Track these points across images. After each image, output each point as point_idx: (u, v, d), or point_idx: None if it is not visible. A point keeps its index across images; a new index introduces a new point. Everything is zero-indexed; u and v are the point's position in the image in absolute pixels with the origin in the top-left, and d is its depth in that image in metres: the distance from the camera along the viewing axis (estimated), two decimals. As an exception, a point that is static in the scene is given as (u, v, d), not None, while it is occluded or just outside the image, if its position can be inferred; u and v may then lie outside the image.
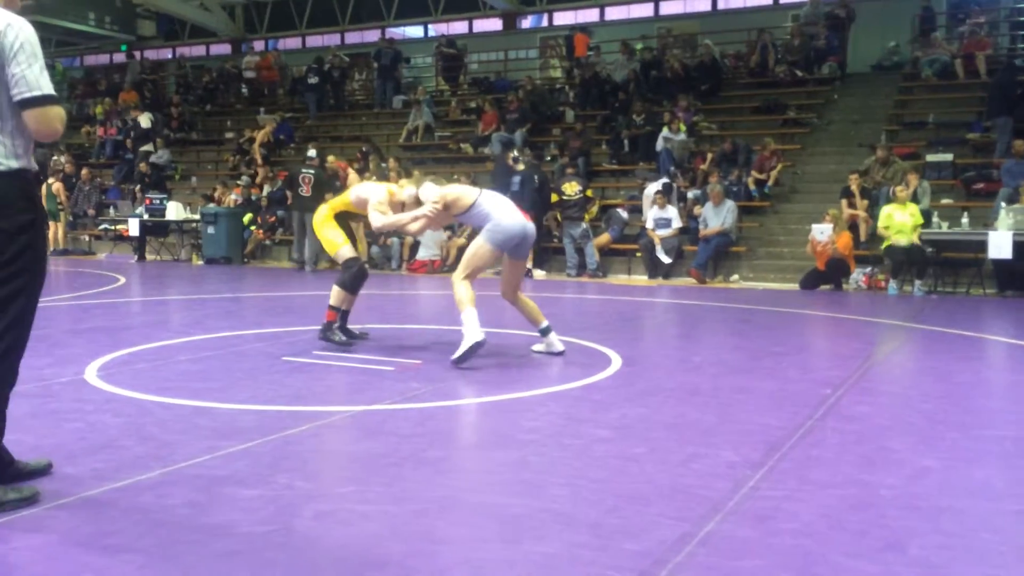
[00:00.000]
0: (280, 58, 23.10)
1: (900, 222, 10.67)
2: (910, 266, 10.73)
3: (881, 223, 10.89)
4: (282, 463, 3.48)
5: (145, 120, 19.29)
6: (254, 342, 6.51)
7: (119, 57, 28.12)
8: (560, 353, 5.97)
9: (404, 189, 6.21)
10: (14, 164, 2.90)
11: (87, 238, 17.64)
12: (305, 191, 13.30)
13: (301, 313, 8.67)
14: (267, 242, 15.67)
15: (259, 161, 17.34)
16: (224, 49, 26.81)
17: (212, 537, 2.73)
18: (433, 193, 5.92)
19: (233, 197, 15.89)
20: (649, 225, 12.64)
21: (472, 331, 5.47)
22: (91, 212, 17.41)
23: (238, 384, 4.98)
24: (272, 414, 4.28)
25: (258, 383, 5.01)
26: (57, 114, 2.93)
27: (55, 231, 16.89)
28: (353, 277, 6.29)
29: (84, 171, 17.74)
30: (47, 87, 2.89)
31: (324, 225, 6.41)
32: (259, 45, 25.38)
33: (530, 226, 5.91)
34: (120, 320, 8.02)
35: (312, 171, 13.46)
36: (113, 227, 16.82)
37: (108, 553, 2.60)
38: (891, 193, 11.05)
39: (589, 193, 13.27)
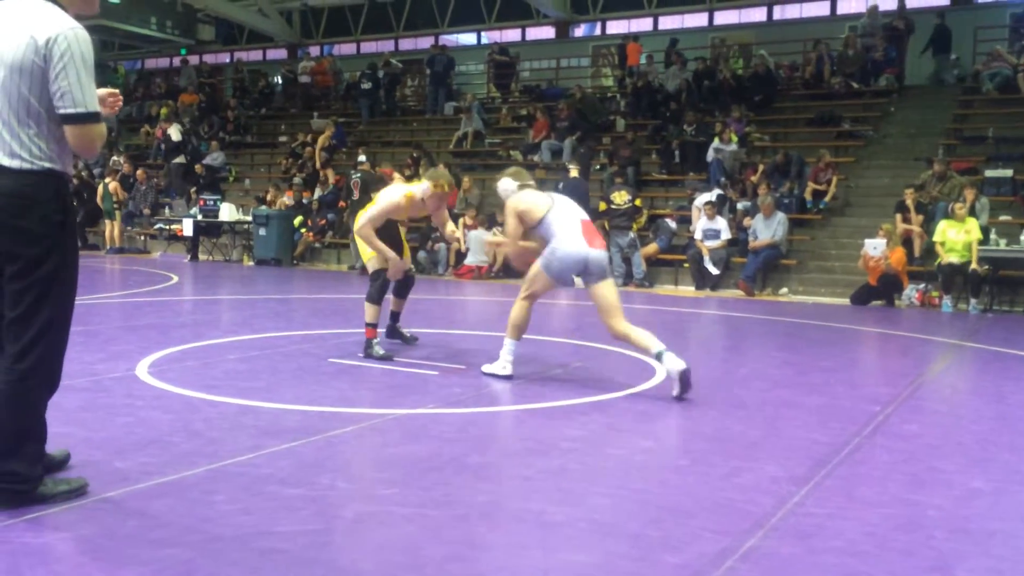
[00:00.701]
0: (335, 63, 23.43)
1: (953, 239, 10.44)
2: (964, 283, 10.47)
3: (936, 237, 10.67)
4: (325, 463, 3.51)
5: (176, 132, 19.61)
6: (301, 343, 6.59)
7: (179, 60, 28.77)
8: (685, 371, 4.94)
9: (420, 185, 6.09)
10: (47, 165, 2.86)
11: (142, 237, 18.03)
12: (355, 195, 13.46)
13: (348, 316, 8.76)
14: (317, 245, 15.86)
15: (318, 164, 17.56)
16: (280, 54, 27.26)
17: (254, 535, 2.76)
18: (507, 204, 5.54)
19: (285, 200, 16.12)
20: (698, 236, 12.52)
21: (504, 364, 5.36)
22: (147, 211, 17.79)
23: (284, 384, 5.04)
24: (316, 415, 4.33)
25: (303, 384, 5.07)
26: (99, 133, 2.91)
27: (111, 230, 17.31)
28: (379, 290, 6.15)
29: (140, 171, 18.16)
30: (92, 104, 2.86)
31: (363, 238, 6.22)
32: (315, 50, 25.75)
33: (595, 253, 5.30)
34: (172, 318, 8.18)
35: (359, 175, 13.62)
36: (168, 227, 17.19)
37: (152, 547, 2.65)
38: (950, 210, 10.82)
39: (638, 203, 13.21)
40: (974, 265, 10.26)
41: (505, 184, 5.67)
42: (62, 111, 2.82)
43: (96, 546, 2.66)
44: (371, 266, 6.26)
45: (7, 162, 2.82)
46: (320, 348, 6.35)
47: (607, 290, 5.31)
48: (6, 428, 2.87)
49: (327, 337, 6.95)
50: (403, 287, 6.62)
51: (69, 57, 2.80)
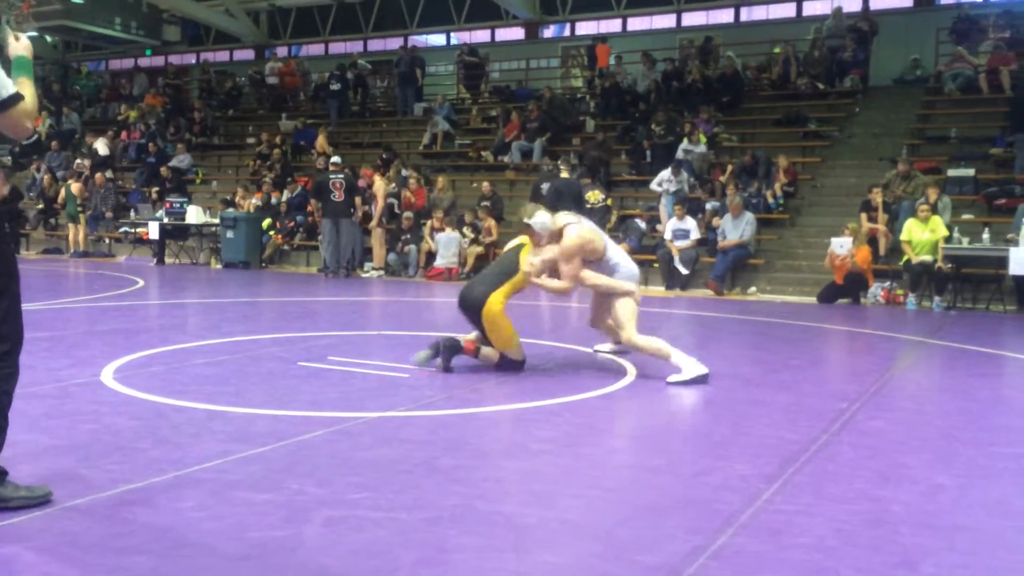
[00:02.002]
0: (303, 64, 23.27)
1: (919, 239, 10.60)
2: (929, 281, 10.63)
3: (903, 236, 10.82)
4: (295, 468, 3.49)
5: (102, 147, 19.30)
6: (270, 347, 6.54)
7: (144, 61, 28.44)
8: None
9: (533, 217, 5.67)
10: None
11: (107, 240, 17.79)
12: (338, 197, 13.37)
13: (318, 318, 8.71)
14: (286, 247, 15.75)
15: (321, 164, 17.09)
16: (248, 55, 27.03)
17: (223, 541, 2.74)
18: (575, 239, 5.48)
19: (254, 201, 15.98)
20: (667, 236, 12.60)
21: (691, 367, 5.30)
22: (108, 215, 17.54)
23: (253, 389, 5.00)
24: (286, 419, 4.29)
25: (273, 388, 5.03)
26: (21, 112, 2.87)
27: (75, 233, 17.06)
28: (514, 366, 5.72)
29: (98, 175, 17.80)
30: (6, 88, 2.83)
31: (501, 318, 5.59)
32: (282, 51, 25.57)
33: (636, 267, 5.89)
34: (137, 323, 8.08)
35: (342, 176, 13.54)
36: (133, 230, 16.97)
37: (119, 555, 2.61)
38: (916, 209, 10.97)
39: (609, 202, 13.26)
40: (939, 263, 10.41)
41: (543, 218, 5.57)
42: None
43: (62, 555, 2.61)
44: (514, 354, 5.68)
45: None
46: (289, 351, 6.30)
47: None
48: None
49: (296, 340, 6.90)
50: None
51: None
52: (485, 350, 5.68)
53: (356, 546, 2.73)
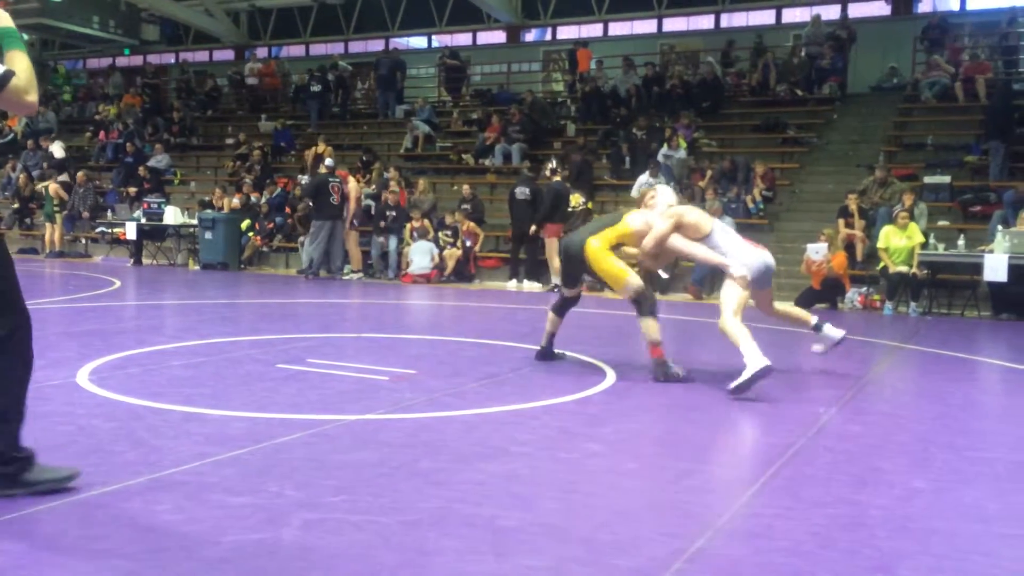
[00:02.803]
0: (283, 65, 23.16)
1: (896, 245, 10.71)
2: (905, 287, 10.74)
3: (880, 243, 10.93)
4: (272, 471, 3.46)
5: (58, 149, 19.10)
6: (248, 349, 6.50)
7: (123, 61, 28.20)
8: (841, 340, 6.33)
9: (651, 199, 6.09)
10: None
11: (83, 241, 17.62)
12: (335, 199, 13.33)
13: (297, 320, 8.67)
14: (264, 249, 15.66)
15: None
16: (227, 55, 26.87)
17: (199, 545, 2.71)
18: (666, 208, 5.86)
19: (233, 202, 15.87)
20: (648, 240, 12.64)
21: (752, 358, 5.23)
22: (85, 215, 17.37)
23: (230, 391, 4.97)
24: (264, 421, 4.27)
25: (251, 390, 5.00)
26: (17, 89, 2.78)
27: (51, 233, 16.88)
28: (652, 305, 5.80)
29: (80, 174, 17.69)
30: None
31: (604, 257, 5.82)
32: (262, 52, 25.46)
33: (770, 259, 5.87)
34: (114, 324, 8.01)
35: (339, 180, 13.53)
36: (110, 230, 16.81)
37: (94, 558, 2.59)
38: (893, 215, 11.07)
39: (590, 205, 13.30)
40: (914, 269, 10.53)
41: (668, 195, 6.10)
42: None
43: (36, 558, 2.58)
44: (633, 284, 5.82)
45: None
46: (268, 353, 6.26)
47: (769, 295, 6.11)
48: None
49: (275, 343, 6.86)
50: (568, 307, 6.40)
51: None
52: (646, 327, 5.75)
53: (335, 549, 2.71)
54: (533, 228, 12.60)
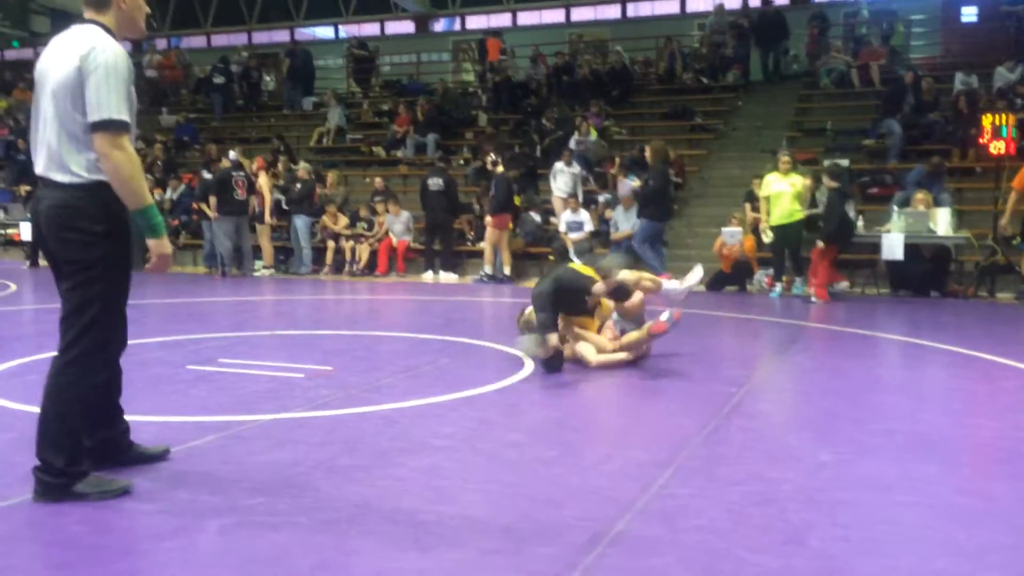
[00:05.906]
0: (184, 57, 22.45)
1: (778, 192, 10.19)
2: (793, 264, 10.52)
3: (762, 191, 10.47)
4: (185, 477, 3.37)
5: None
6: (156, 351, 6.30)
7: (12, 53, 26.92)
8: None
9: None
10: (94, 178, 3.07)
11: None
12: (240, 194, 12.91)
13: (207, 320, 8.44)
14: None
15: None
16: (124, 46, 25.89)
17: (110, 558, 2.63)
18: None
19: (169, 196, 15.25)
20: (562, 228, 12.76)
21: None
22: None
23: (139, 395, 4.80)
24: (175, 425, 4.15)
25: (160, 393, 4.86)
26: (118, 143, 2.99)
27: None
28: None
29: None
30: (111, 112, 2.99)
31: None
32: (162, 43, 24.62)
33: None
34: (11, 329, 7.66)
35: (243, 174, 13.10)
36: (4, 231, 16.05)
37: (-3, 576, 2.48)
38: (776, 158, 10.66)
39: (518, 200, 13.32)
40: (802, 215, 10.16)
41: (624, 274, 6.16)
42: (88, 119, 3.01)
43: (-70, 581, 2.46)
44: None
45: (58, 177, 3.09)
46: (177, 355, 6.09)
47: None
48: (48, 417, 3.09)
49: (184, 343, 6.67)
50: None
51: (96, 69, 3.02)
52: (627, 338, 5.90)
53: (252, 554, 2.66)
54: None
